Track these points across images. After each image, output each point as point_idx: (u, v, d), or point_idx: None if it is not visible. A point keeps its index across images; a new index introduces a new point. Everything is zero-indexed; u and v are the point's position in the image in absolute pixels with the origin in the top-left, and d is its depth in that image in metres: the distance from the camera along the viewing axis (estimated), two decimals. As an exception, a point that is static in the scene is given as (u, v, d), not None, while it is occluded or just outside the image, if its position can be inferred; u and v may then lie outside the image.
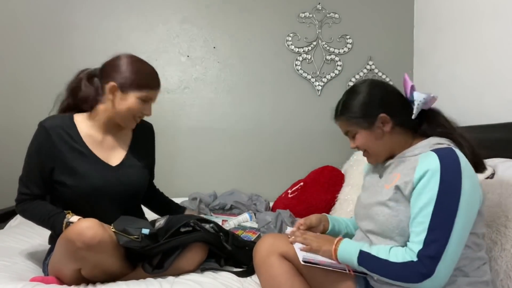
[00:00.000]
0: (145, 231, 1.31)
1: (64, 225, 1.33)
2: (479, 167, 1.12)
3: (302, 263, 1.14)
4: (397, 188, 1.08)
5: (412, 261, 0.99)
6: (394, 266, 1.01)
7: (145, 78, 1.43)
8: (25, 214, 1.44)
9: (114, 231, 1.28)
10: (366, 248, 1.08)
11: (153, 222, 1.48)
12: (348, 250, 1.11)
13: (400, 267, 1.00)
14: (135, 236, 1.28)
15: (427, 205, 1.00)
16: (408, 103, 1.17)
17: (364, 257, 1.07)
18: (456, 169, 1.01)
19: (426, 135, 1.16)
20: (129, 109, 1.42)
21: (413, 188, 1.04)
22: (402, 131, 1.16)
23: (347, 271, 1.14)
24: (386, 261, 1.03)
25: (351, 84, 2.70)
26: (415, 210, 1.02)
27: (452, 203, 0.98)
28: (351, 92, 1.21)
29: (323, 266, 1.14)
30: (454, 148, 1.06)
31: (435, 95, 1.16)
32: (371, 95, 1.16)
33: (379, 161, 1.22)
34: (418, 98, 1.13)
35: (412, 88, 1.15)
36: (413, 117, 1.14)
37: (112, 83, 1.41)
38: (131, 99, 1.41)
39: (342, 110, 1.20)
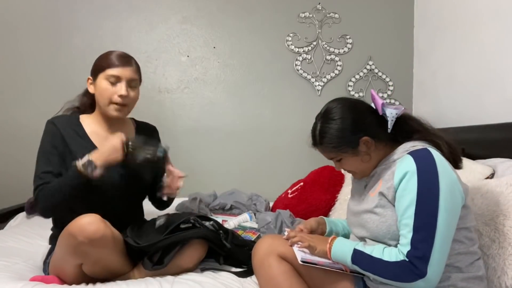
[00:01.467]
0: (161, 151, 1.38)
1: (76, 167, 1.30)
2: (458, 162, 1.15)
3: (301, 263, 1.14)
4: (381, 194, 1.11)
5: (405, 260, 1.00)
6: (388, 265, 1.02)
7: (106, 58, 1.46)
8: (47, 200, 1.33)
9: (131, 149, 1.34)
10: (360, 247, 1.09)
11: (153, 220, 1.49)
12: (342, 249, 1.12)
13: (394, 266, 1.01)
14: (150, 152, 1.36)
15: (408, 207, 1.02)
16: (380, 117, 1.17)
17: (357, 255, 1.08)
18: (432, 168, 1.03)
19: (403, 141, 1.17)
20: (102, 93, 1.44)
21: (395, 192, 1.07)
22: (383, 145, 1.18)
23: (345, 271, 1.15)
24: (379, 259, 1.04)
25: (351, 84, 2.71)
26: (399, 213, 1.05)
27: (432, 202, 1.00)
28: (326, 119, 1.18)
29: (321, 266, 1.15)
30: (429, 148, 1.08)
31: (405, 107, 1.18)
32: (348, 120, 1.15)
33: (366, 176, 1.23)
34: (391, 114, 1.14)
35: (383, 105, 1.16)
36: (388, 131, 1.16)
37: (88, 77, 1.50)
38: (100, 83, 1.45)
39: (322, 140, 1.18)
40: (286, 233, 1.29)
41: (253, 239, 1.73)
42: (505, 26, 1.84)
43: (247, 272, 1.41)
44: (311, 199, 2.16)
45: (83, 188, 1.31)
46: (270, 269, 1.18)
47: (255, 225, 1.97)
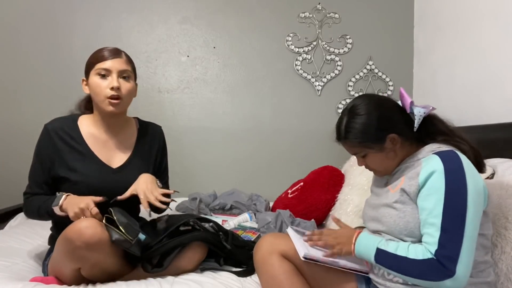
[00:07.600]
0: (142, 236, 1.26)
1: (55, 200, 1.33)
2: (482, 166, 1.15)
3: (302, 259, 1.14)
4: (403, 190, 1.10)
5: (433, 258, 0.99)
6: (414, 263, 1.00)
7: (94, 54, 1.46)
8: (27, 212, 1.45)
9: (107, 224, 1.23)
10: (383, 245, 1.08)
11: (154, 221, 1.48)
12: (366, 247, 1.11)
13: (421, 264, 1.00)
14: (130, 238, 1.23)
15: (436, 206, 1.01)
16: (407, 115, 1.17)
17: (381, 255, 1.06)
18: (459, 169, 1.02)
19: (427, 142, 1.17)
20: (95, 90, 1.43)
21: (419, 190, 1.06)
22: (408, 144, 1.18)
23: (347, 270, 1.15)
24: (405, 258, 1.02)
25: (351, 84, 2.71)
26: (425, 212, 1.03)
27: (460, 202, 0.99)
28: (353, 114, 1.17)
29: (324, 263, 1.14)
30: (455, 150, 1.08)
31: (433, 106, 1.17)
32: (376, 117, 1.14)
33: (388, 174, 1.22)
34: (419, 113, 1.14)
35: (412, 104, 1.15)
36: (415, 130, 1.15)
37: (82, 78, 1.50)
38: (92, 80, 1.43)
39: (348, 134, 1.17)
40: (289, 230, 1.28)
41: (253, 239, 1.73)
42: (505, 26, 1.84)
43: (247, 271, 1.42)
44: (311, 199, 2.15)
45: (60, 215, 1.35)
46: (272, 267, 1.18)
47: (255, 225, 1.97)
